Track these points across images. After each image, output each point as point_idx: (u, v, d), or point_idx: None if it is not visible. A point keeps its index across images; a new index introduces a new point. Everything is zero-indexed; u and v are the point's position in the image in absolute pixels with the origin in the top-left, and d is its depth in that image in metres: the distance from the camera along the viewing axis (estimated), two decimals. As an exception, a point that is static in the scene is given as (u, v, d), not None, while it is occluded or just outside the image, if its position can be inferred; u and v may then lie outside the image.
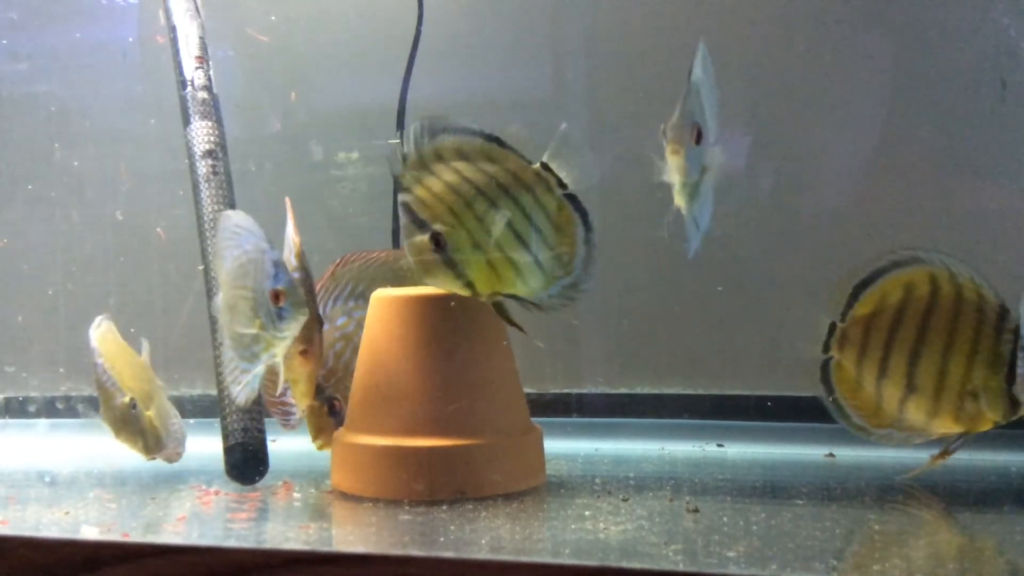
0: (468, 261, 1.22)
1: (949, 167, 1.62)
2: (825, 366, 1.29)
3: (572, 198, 1.26)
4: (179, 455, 1.41)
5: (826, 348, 1.29)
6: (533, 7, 1.81)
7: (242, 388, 1.29)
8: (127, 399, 1.39)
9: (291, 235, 1.38)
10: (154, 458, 1.40)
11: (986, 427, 1.21)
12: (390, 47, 1.74)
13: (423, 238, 1.21)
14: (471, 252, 1.22)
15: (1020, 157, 1.59)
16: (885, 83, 1.66)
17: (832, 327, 1.29)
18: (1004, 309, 1.21)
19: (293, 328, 1.26)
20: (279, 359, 1.29)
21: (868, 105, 1.67)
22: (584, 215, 1.26)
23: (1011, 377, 1.19)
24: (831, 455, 1.49)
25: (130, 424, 1.39)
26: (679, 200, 1.21)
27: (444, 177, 1.22)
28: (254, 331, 1.26)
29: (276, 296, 1.24)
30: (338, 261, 1.50)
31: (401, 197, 1.23)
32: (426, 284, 1.24)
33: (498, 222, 1.21)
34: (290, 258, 1.36)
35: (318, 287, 1.46)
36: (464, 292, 1.23)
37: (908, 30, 1.64)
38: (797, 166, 1.70)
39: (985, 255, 1.60)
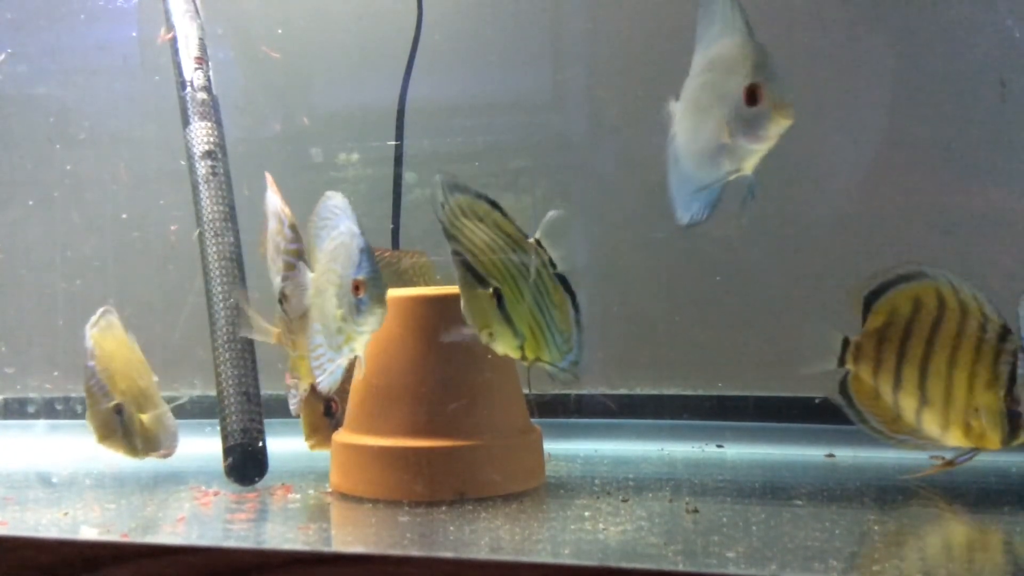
0: (521, 321, 1.19)
1: (949, 168, 1.62)
2: (843, 378, 1.29)
3: (562, 278, 1.23)
4: (171, 452, 1.41)
5: (841, 362, 1.29)
6: (532, 9, 1.81)
7: (327, 376, 1.23)
8: (112, 404, 1.38)
9: (279, 206, 1.33)
10: (146, 457, 1.40)
11: (993, 447, 1.19)
12: (389, 48, 1.75)
13: (487, 292, 1.19)
14: (521, 312, 1.19)
15: (1020, 158, 1.59)
16: (885, 84, 1.66)
17: (845, 342, 1.28)
18: (1006, 329, 1.19)
19: (371, 323, 1.18)
20: (360, 353, 1.22)
21: (868, 106, 1.67)
22: (574, 296, 1.23)
23: (1010, 399, 1.18)
24: (831, 456, 1.49)
25: (114, 430, 1.38)
26: (748, 167, 1.15)
27: (477, 234, 1.21)
28: (338, 321, 1.20)
29: (356, 286, 1.17)
30: None
31: (453, 245, 1.20)
32: (486, 343, 1.20)
33: (529, 285, 1.20)
34: (284, 229, 1.30)
35: None
36: (515, 354, 1.20)
37: (908, 31, 1.64)
38: (797, 167, 1.70)
39: (985, 256, 1.59)
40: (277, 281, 1.27)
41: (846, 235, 1.67)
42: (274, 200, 1.32)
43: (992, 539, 1.07)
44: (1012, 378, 1.18)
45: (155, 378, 1.44)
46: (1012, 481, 1.33)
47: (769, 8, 1.68)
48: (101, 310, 1.47)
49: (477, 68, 1.84)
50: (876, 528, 1.08)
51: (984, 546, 1.05)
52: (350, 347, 1.22)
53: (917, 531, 1.10)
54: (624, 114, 1.78)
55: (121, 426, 1.38)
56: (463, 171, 1.83)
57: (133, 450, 1.39)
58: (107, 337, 1.45)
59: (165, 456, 1.40)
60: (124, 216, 1.92)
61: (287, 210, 1.32)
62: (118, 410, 1.38)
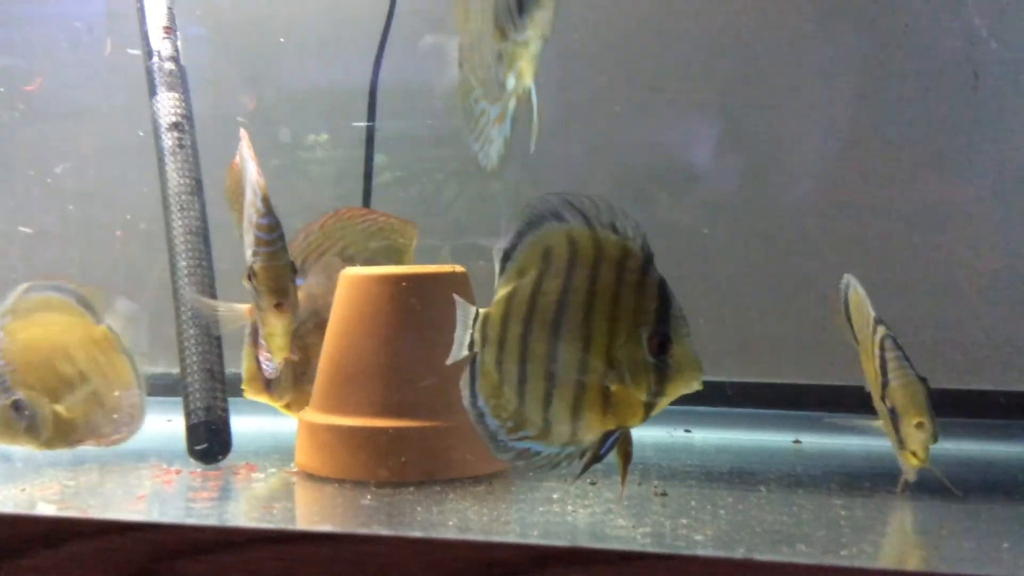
0: None
1: (919, 162, 1.64)
2: None
3: None
4: (110, 441, 1.36)
5: None
6: (507, -9, 1.79)
7: (492, 148, 1.05)
8: (8, 401, 1.31)
9: (254, 176, 1.26)
10: (65, 448, 1.35)
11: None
12: (362, 27, 1.72)
13: None
14: None
15: (991, 151, 1.60)
16: (856, 77, 1.66)
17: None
18: (877, 320, 1.20)
19: (538, 22, 0.96)
20: (530, 81, 1.00)
21: (839, 98, 1.67)
22: None
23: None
24: (798, 442, 1.50)
25: (11, 428, 1.31)
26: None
27: None
28: (497, 45, 0.99)
29: None
30: (331, 214, 1.45)
31: None
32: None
33: None
34: (256, 201, 1.24)
35: (302, 238, 1.42)
36: None
37: (880, 22, 1.65)
38: (766, 159, 1.70)
39: (952, 250, 1.61)
40: (248, 255, 1.24)
41: (815, 226, 1.68)
42: (251, 167, 1.27)
43: (956, 526, 1.08)
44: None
45: (125, 355, 1.39)
46: (974, 469, 1.34)
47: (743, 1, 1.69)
48: (22, 288, 1.37)
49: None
50: (843, 513, 1.09)
51: (949, 532, 1.06)
52: (514, 72, 1.00)
53: (883, 517, 1.10)
54: (595, 100, 1.77)
55: (23, 422, 1.31)
56: (433, 155, 1.82)
57: (45, 444, 1.33)
58: (27, 322, 1.36)
59: (109, 444, 1.35)
60: (87, 189, 1.88)
61: (261, 180, 1.25)
62: (16, 407, 1.31)
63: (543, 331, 1.01)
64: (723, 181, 1.73)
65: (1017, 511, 1.14)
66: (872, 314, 1.21)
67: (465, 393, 1.07)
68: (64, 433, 1.34)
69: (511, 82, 1.00)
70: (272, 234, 1.23)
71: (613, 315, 0.99)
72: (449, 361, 1.08)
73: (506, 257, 1.05)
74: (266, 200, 1.23)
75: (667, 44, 1.73)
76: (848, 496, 1.17)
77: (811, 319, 1.60)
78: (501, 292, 1.05)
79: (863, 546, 0.96)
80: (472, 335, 1.06)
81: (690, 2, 1.71)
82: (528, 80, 1.00)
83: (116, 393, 1.38)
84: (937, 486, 1.17)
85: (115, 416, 1.37)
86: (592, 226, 1.00)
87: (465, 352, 1.07)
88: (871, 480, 1.24)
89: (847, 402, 1.34)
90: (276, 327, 1.26)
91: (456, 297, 1.08)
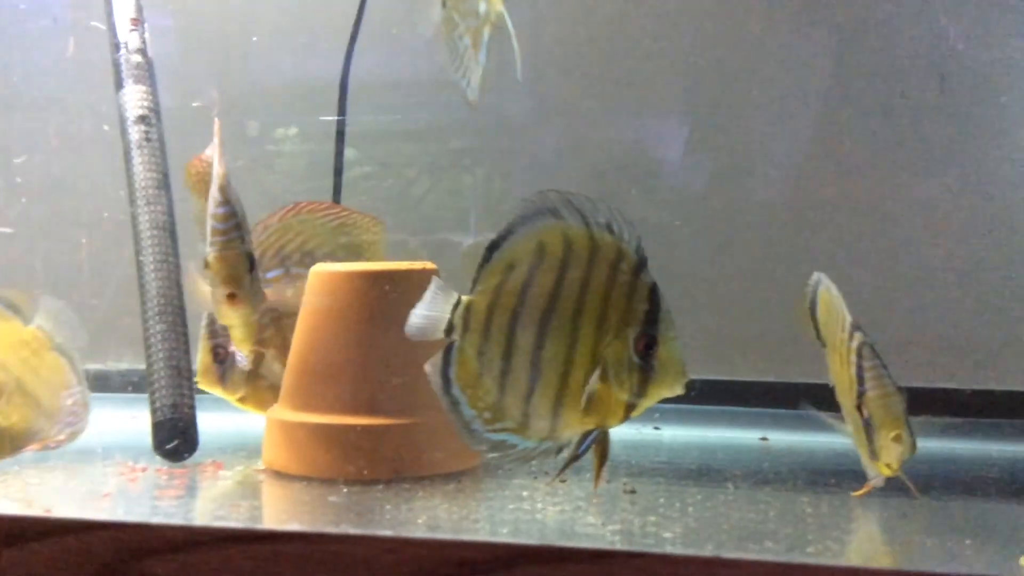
0: None
1: (886, 161, 1.65)
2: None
3: None
4: (66, 439, 1.32)
5: None
6: (479, -15, 1.79)
7: (471, 82, 1.11)
8: None
9: (215, 167, 1.24)
10: (18, 453, 1.29)
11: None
12: (333, 20, 1.71)
13: None
14: None
15: (956, 152, 1.62)
16: (825, 77, 1.68)
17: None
18: (854, 325, 1.17)
19: None
20: (499, 5, 1.06)
21: (808, 98, 1.69)
22: None
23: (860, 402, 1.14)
24: (765, 439, 1.51)
25: None
26: None
27: None
28: None
29: None
30: (289, 207, 1.43)
31: None
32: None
33: None
34: (213, 191, 1.22)
35: (260, 231, 1.40)
36: None
37: (848, 24, 1.66)
38: (736, 158, 1.71)
39: (918, 250, 1.63)
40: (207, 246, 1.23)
41: (783, 223, 1.69)
42: (215, 157, 1.25)
43: (920, 522, 1.10)
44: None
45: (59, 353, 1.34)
46: (938, 466, 1.36)
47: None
48: None
49: (421, 44, 1.81)
50: (809, 510, 1.10)
51: (913, 529, 1.07)
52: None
53: (849, 514, 1.11)
54: (566, 96, 1.77)
55: None
56: (404, 149, 1.82)
57: None
58: None
59: (56, 446, 1.31)
60: (53, 182, 1.86)
61: (220, 170, 1.23)
62: None
63: (531, 324, 1.02)
64: (692, 178, 1.74)
65: (981, 508, 1.16)
66: (848, 319, 1.18)
67: (436, 380, 1.06)
68: (5, 442, 1.28)
69: (483, 7, 1.04)
70: (226, 223, 1.21)
71: (602, 314, 1.00)
72: (409, 330, 1.06)
73: (493, 247, 1.05)
74: (223, 189, 1.22)
75: (637, 41, 1.73)
76: (814, 493, 1.18)
77: (779, 316, 1.62)
78: (488, 282, 1.04)
79: (829, 543, 0.97)
80: (451, 321, 1.05)
81: (660, 0, 1.72)
82: (498, 3, 1.04)
83: (55, 394, 1.34)
84: (902, 484, 1.18)
85: (57, 417, 1.33)
86: (588, 225, 1.01)
87: (439, 335, 1.06)
88: (837, 477, 1.25)
89: (814, 400, 1.34)
90: (232, 318, 1.24)
91: (435, 279, 1.07)
